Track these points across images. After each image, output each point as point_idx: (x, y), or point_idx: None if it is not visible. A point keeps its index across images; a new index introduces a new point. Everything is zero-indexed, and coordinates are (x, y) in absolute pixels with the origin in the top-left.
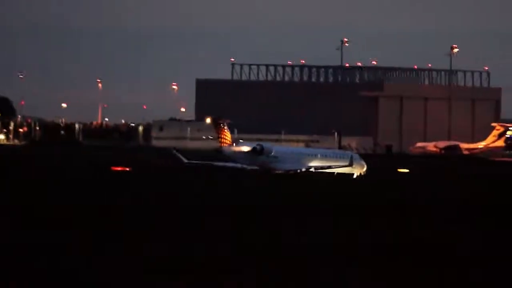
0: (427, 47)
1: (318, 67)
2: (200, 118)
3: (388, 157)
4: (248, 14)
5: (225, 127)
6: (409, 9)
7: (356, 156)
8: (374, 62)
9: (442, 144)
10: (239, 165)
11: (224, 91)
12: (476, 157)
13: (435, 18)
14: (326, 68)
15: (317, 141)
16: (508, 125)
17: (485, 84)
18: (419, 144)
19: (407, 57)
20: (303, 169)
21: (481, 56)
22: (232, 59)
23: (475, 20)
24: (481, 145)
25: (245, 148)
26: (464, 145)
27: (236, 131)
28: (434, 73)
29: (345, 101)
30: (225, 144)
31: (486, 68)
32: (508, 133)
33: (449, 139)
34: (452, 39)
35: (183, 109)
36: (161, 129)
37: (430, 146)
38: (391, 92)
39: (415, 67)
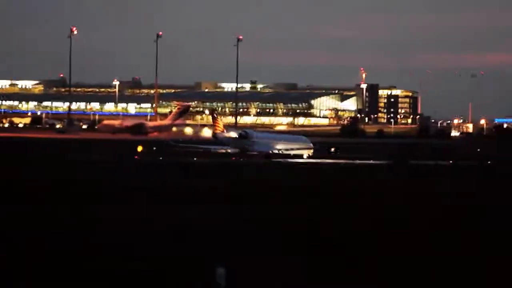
0: None
1: None
2: None
3: None
4: None
5: (218, 117)
6: None
7: (307, 139)
8: None
9: None
10: (219, 147)
11: None
12: None
13: None
14: None
15: None
16: None
17: None
18: None
19: None
20: (274, 151)
21: None
22: None
23: None
24: None
25: (234, 134)
26: None
27: None
28: None
29: None
30: (218, 131)
31: None
32: None
33: None
34: None
35: None
36: None
37: None
38: None
39: None
